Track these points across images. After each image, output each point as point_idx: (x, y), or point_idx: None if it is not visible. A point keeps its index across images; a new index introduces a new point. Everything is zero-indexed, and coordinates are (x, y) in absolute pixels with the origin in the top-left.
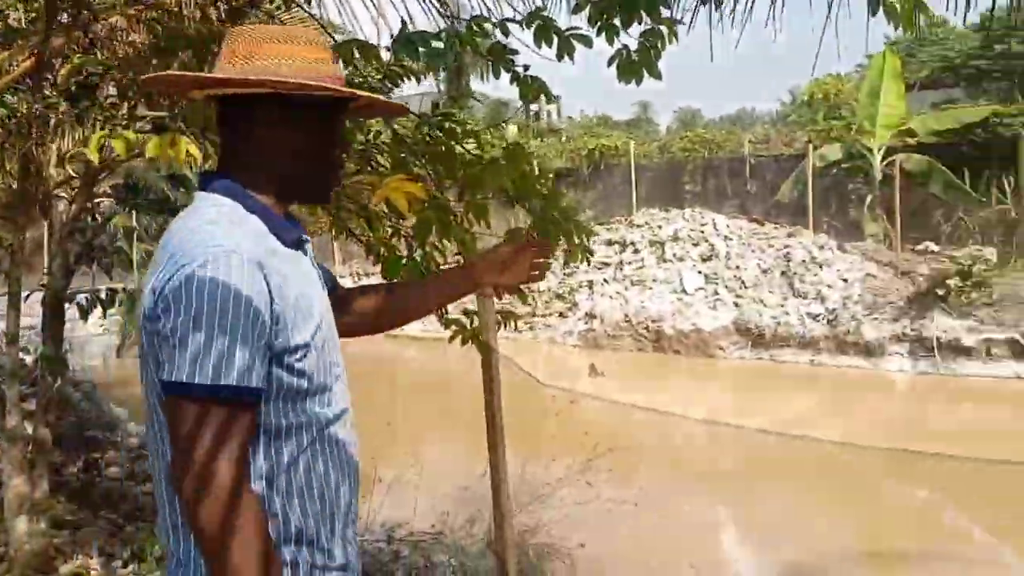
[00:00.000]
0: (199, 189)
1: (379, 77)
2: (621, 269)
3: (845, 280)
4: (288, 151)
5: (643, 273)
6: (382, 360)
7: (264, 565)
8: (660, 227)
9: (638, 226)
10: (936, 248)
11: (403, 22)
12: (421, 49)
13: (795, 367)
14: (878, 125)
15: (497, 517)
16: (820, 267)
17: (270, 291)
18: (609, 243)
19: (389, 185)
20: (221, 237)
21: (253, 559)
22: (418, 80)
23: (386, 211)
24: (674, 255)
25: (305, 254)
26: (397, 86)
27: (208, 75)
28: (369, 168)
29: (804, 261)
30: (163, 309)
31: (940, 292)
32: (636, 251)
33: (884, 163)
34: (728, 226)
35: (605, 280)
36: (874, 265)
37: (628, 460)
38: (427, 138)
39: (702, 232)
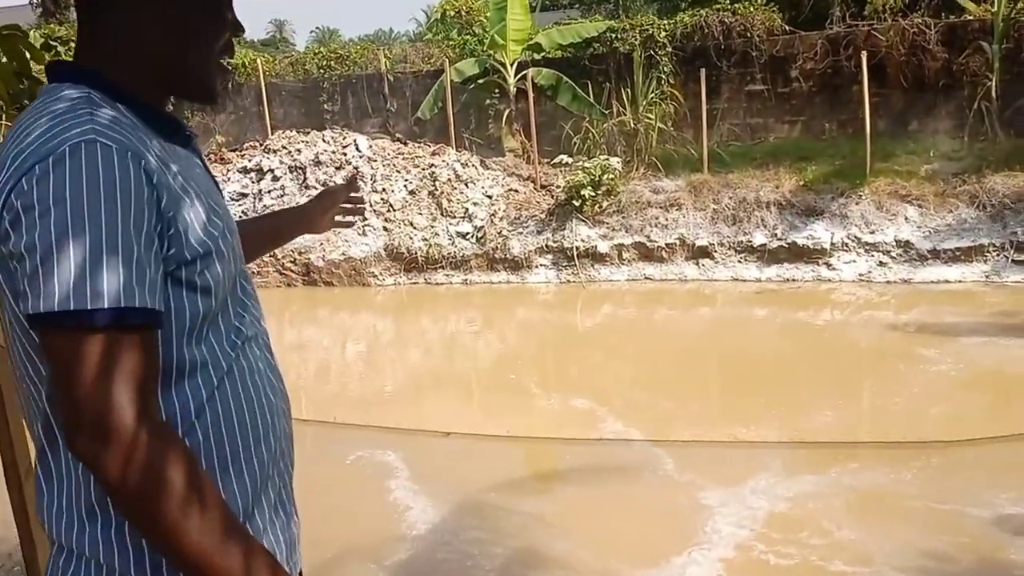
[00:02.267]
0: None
1: None
2: (260, 199)
3: (490, 197)
4: (156, 31)
5: (285, 202)
6: None
7: (211, 504)
8: (299, 151)
9: (275, 151)
10: (569, 160)
11: None
12: None
13: (450, 288)
14: (508, 40)
15: (21, 523)
16: (466, 185)
17: (154, 187)
18: (245, 171)
19: None
20: (78, 126)
21: (195, 503)
22: None
23: None
24: (317, 180)
25: (194, 153)
26: None
27: None
28: None
29: (450, 180)
30: (11, 223)
31: (576, 203)
32: (275, 178)
33: (517, 78)
34: (371, 147)
35: (244, 213)
36: (515, 180)
37: None
38: None
39: (345, 155)
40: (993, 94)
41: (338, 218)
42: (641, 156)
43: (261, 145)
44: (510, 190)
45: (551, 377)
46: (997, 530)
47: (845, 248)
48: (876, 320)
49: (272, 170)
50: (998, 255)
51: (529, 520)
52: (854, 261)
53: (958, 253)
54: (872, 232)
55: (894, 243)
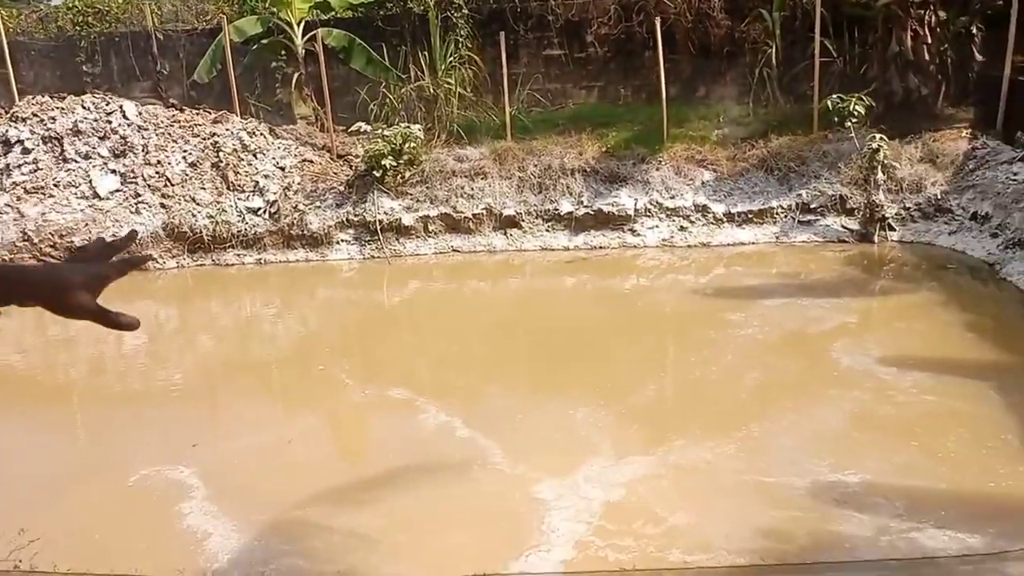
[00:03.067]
0: None
1: None
2: (9, 175)
3: (282, 168)
4: None
5: (39, 178)
6: None
7: None
8: (54, 119)
9: (24, 119)
10: (367, 128)
11: None
12: None
13: (242, 269)
14: None
15: None
16: (254, 156)
17: None
18: None
19: None
20: None
21: None
22: None
23: None
24: (77, 152)
25: None
26: None
27: None
28: None
29: (236, 151)
30: None
31: (377, 173)
32: (26, 151)
33: (305, 39)
34: (141, 114)
35: None
36: (310, 149)
37: None
38: None
39: (109, 122)
40: (774, 61)
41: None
42: (443, 123)
43: (7, 113)
44: (304, 160)
45: (363, 364)
46: (823, 501)
47: (648, 214)
48: (682, 285)
49: (21, 141)
50: (786, 216)
51: (350, 540)
52: (657, 227)
53: (751, 215)
54: (672, 197)
55: (693, 207)
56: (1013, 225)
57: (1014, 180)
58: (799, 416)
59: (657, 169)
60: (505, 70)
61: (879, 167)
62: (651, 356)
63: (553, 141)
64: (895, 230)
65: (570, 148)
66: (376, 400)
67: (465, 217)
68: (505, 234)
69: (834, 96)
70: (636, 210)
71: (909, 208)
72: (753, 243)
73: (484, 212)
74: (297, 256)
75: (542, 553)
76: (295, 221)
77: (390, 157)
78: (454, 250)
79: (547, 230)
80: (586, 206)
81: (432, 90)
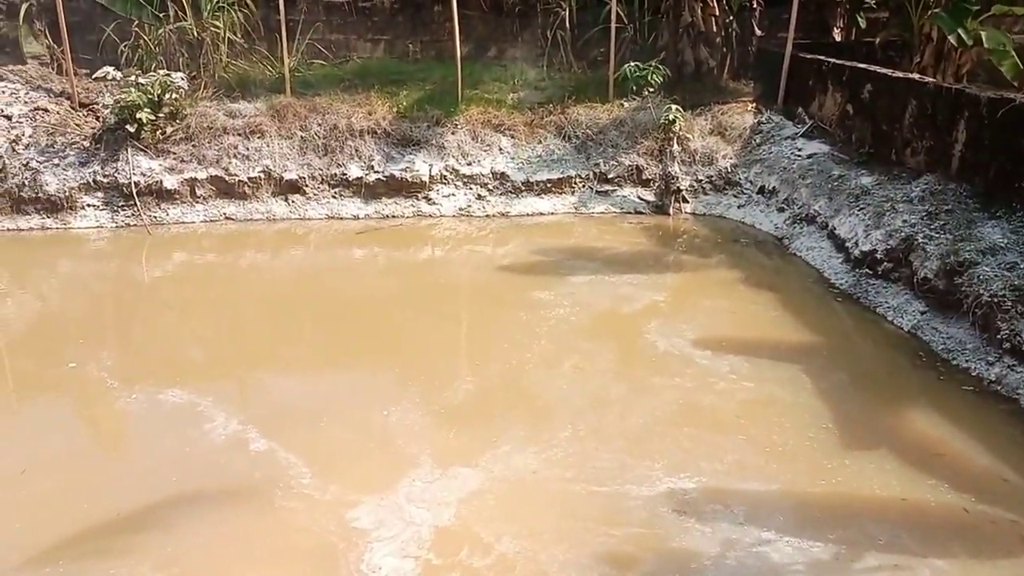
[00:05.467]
0: None
1: None
2: None
3: (8, 118)
4: None
5: None
6: None
7: None
8: None
9: None
10: (117, 74)
11: None
12: None
13: None
14: None
15: None
16: None
17: None
18: None
19: None
20: None
21: None
22: None
23: None
24: None
25: None
26: None
27: None
28: None
29: None
30: None
31: (131, 128)
32: None
33: None
34: None
35: None
36: (44, 96)
37: None
38: None
39: None
40: (567, 24)
41: None
42: (210, 73)
43: None
44: (37, 109)
45: (127, 358)
46: (661, 513)
47: (444, 181)
48: (481, 257)
49: None
50: (584, 186)
51: None
52: (454, 195)
53: (549, 185)
54: (470, 164)
55: (491, 175)
56: (800, 200)
57: (798, 156)
58: (625, 410)
59: (453, 133)
60: (282, 15)
61: (674, 139)
62: (461, 342)
63: (339, 98)
64: (688, 202)
65: (358, 107)
66: (147, 406)
67: (240, 181)
68: (287, 200)
69: (631, 64)
70: (431, 177)
71: (701, 180)
72: (552, 213)
73: (262, 175)
74: (31, 223)
75: None
76: (27, 181)
77: (147, 109)
78: (227, 218)
79: (334, 197)
80: (377, 171)
81: (196, 34)
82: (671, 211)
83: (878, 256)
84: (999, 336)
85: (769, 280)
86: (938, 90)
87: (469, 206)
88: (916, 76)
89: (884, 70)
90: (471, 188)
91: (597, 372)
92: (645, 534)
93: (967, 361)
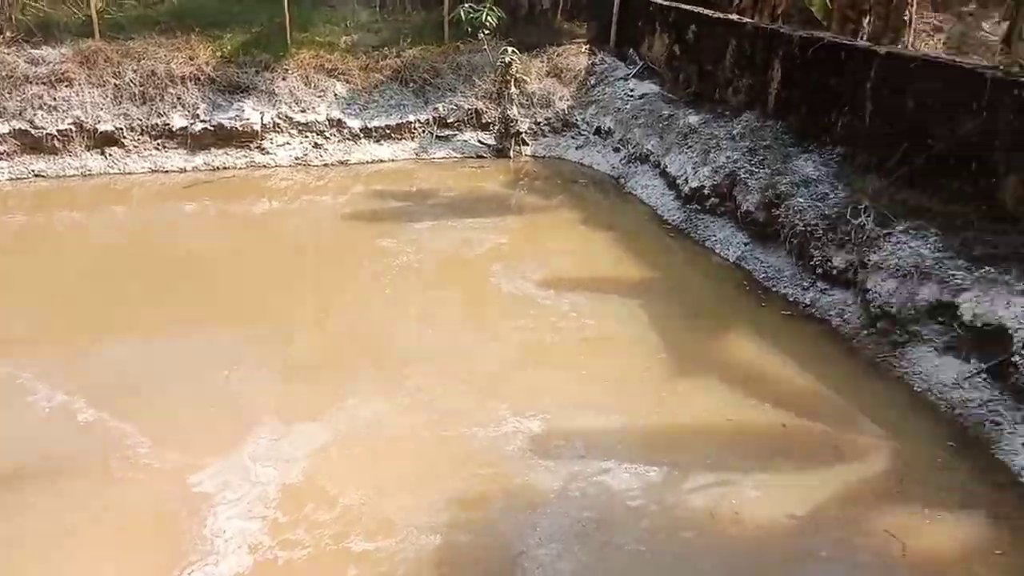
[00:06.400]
0: None
1: None
2: None
3: None
4: None
5: None
6: None
7: None
8: None
9: None
10: None
11: None
12: None
13: None
14: None
15: None
16: None
17: None
18: None
19: None
20: None
21: None
22: None
23: None
24: None
25: None
26: None
27: None
28: None
29: None
30: None
31: None
32: None
33: None
34: None
35: None
36: None
37: None
38: None
39: None
40: None
41: None
42: (5, 15)
43: None
44: None
45: None
46: (508, 452)
47: (277, 129)
48: (321, 207)
49: None
50: (423, 132)
51: None
52: (288, 143)
53: (388, 131)
54: (303, 111)
55: (327, 122)
56: (633, 140)
57: (631, 96)
58: (471, 354)
59: (284, 79)
60: None
61: (512, 81)
62: (305, 296)
63: (155, 42)
64: (528, 144)
65: (177, 51)
66: None
67: (48, 134)
68: (103, 154)
69: (466, 5)
70: (264, 125)
71: (540, 122)
72: (392, 160)
73: (73, 128)
74: None
75: (208, 569)
76: None
77: None
78: (36, 175)
79: (157, 149)
80: (203, 120)
81: None
82: (512, 154)
83: (706, 192)
84: (812, 263)
85: (607, 219)
86: (755, 30)
87: (306, 155)
88: (735, 17)
89: (707, 12)
90: (307, 136)
91: (443, 318)
92: (493, 474)
93: (785, 287)
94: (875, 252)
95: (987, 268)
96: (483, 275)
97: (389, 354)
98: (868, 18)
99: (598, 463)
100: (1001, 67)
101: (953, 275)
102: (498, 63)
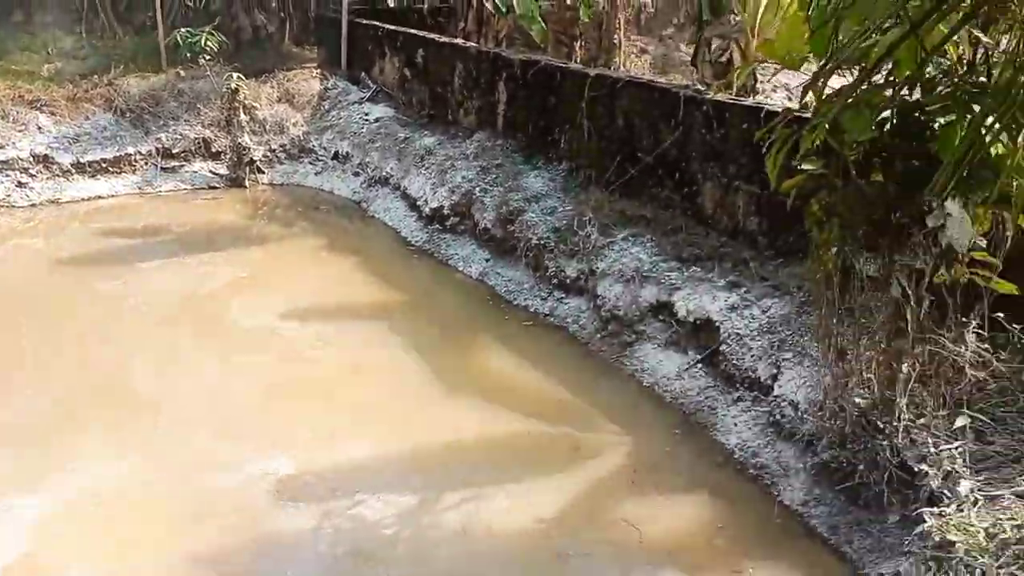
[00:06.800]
0: None
1: None
2: None
3: None
4: None
5: None
6: None
7: None
8: None
9: None
10: None
11: None
12: None
13: None
14: None
15: None
16: None
17: None
18: None
19: None
20: None
21: None
22: None
23: None
24: None
25: None
26: None
27: None
28: None
29: None
30: None
31: None
32: None
33: None
34: None
35: None
36: None
37: None
38: None
39: None
40: None
41: None
42: None
43: None
44: None
45: None
46: (256, 496)
47: None
48: (31, 252)
49: None
50: (147, 164)
51: None
52: None
53: (105, 165)
54: (2, 148)
55: (31, 159)
56: (372, 164)
57: (367, 120)
58: (213, 396)
59: None
60: None
61: (240, 108)
62: (19, 353)
63: None
64: (264, 172)
65: None
66: None
67: None
68: None
69: (183, 30)
70: None
71: (275, 149)
72: (113, 196)
73: None
74: None
75: None
76: None
77: None
78: None
79: None
80: None
81: None
82: (247, 183)
83: (446, 212)
84: (548, 274)
85: (351, 244)
86: (479, 54)
87: (8, 195)
88: (460, 41)
89: (433, 36)
90: (7, 175)
91: (180, 361)
92: (239, 523)
93: (526, 299)
94: (601, 260)
95: (695, 268)
96: (223, 312)
97: (121, 405)
98: (580, 42)
99: (351, 497)
100: (691, 86)
101: (668, 276)
102: (224, 90)
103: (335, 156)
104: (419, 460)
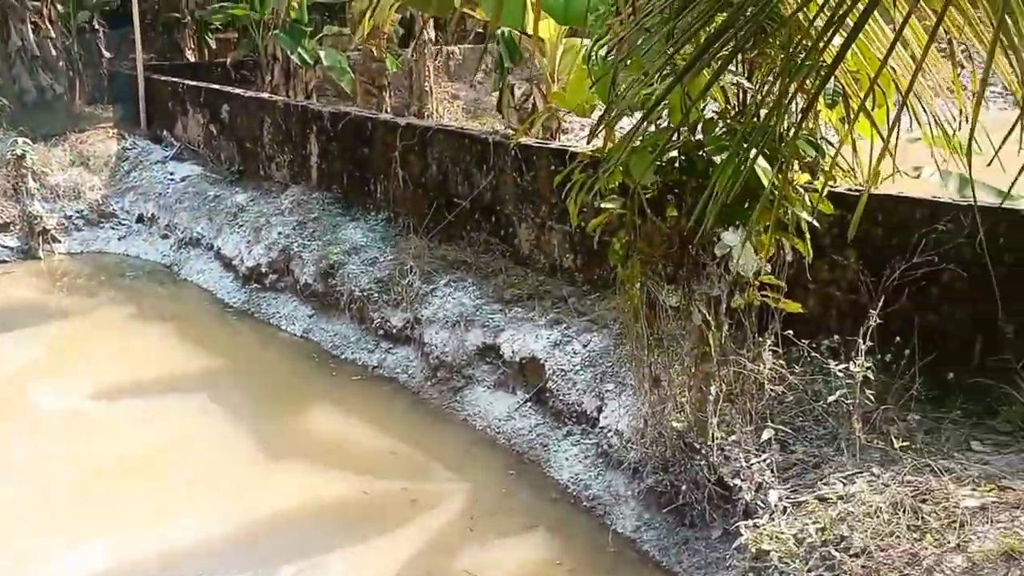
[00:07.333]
0: None
1: None
2: None
3: None
4: None
5: None
6: None
7: None
8: None
9: None
10: None
11: None
12: None
13: None
14: None
15: None
16: None
17: None
18: None
19: None
20: None
21: None
22: None
23: None
24: None
25: None
26: None
27: None
28: None
29: None
30: None
31: None
32: None
33: None
34: None
35: None
36: None
37: None
38: None
39: None
40: None
41: None
42: None
43: None
44: None
45: None
46: None
47: None
48: None
49: None
50: None
51: None
52: None
53: None
54: None
55: None
56: (182, 225)
57: (172, 179)
58: (7, 495)
59: None
60: None
61: (29, 174)
62: None
63: None
64: (61, 242)
65: None
66: None
67: None
68: None
69: None
70: None
71: (71, 216)
72: None
73: None
74: None
75: None
76: None
77: None
78: None
79: None
80: None
81: None
82: (42, 254)
83: (263, 270)
84: (374, 325)
85: (163, 310)
86: (288, 107)
87: None
88: (267, 95)
89: (238, 90)
90: None
91: None
92: None
93: (353, 353)
94: (426, 307)
95: (517, 308)
96: (18, 397)
97: None
98: (388, 91)
99: None
100: (499, 132)
101: (492, 318)
102: (8, 156)
103: (139, 219)
104: (250, 533)
